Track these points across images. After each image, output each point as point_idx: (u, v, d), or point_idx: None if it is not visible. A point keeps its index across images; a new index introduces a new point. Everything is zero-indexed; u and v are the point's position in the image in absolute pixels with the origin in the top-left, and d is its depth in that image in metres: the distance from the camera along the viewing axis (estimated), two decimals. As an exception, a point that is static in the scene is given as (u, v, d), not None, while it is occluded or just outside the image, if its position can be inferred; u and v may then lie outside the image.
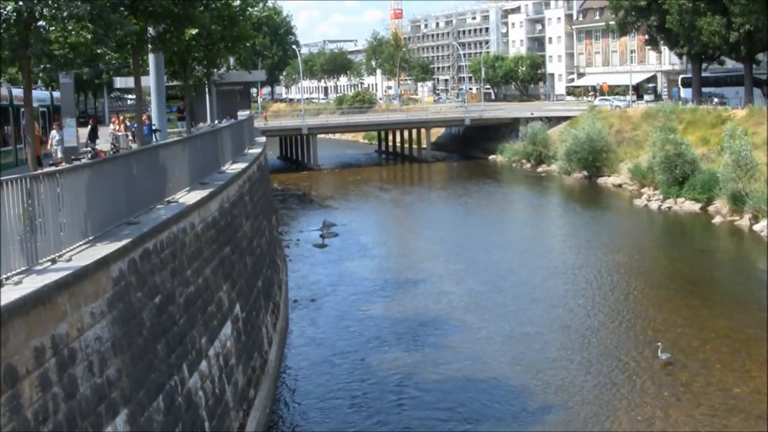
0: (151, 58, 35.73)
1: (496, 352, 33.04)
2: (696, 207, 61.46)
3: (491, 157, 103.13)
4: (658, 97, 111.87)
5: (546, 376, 30.02)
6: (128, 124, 44.93)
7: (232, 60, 65.35)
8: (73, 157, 31.30)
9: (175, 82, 49.73)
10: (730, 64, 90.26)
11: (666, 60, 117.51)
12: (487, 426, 25.94)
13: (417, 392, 28.99)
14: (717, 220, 57.25)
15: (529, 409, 27.22)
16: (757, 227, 53.00)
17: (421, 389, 29.22)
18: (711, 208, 60.02)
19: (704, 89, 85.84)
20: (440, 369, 31.09)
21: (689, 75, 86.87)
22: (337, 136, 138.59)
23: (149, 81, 37.00)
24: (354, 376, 30.61)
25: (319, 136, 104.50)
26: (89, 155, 32.80)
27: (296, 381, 30.34)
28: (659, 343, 31.06)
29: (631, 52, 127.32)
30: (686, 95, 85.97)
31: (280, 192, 79.26)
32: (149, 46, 31.65)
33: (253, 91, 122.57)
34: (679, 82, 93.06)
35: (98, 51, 23.19)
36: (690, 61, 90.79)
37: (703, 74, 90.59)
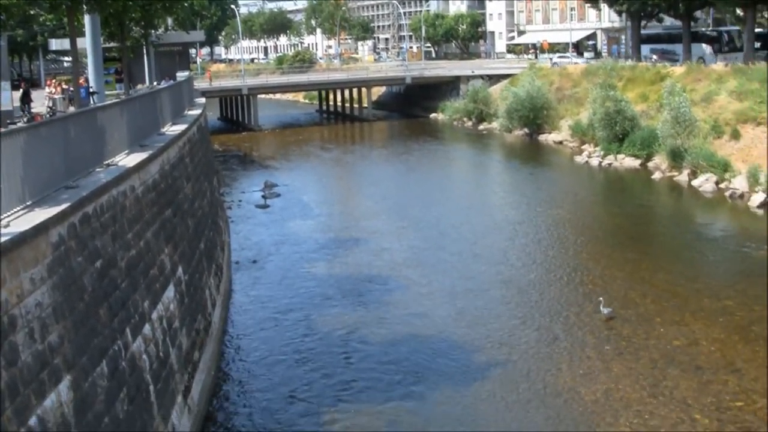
0: (87, 19, 35.09)
1: (439, 307, 33.29)
2: (636, 163, 62.08)
3: (432, 115, 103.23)
4: (597, 54, 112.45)
5: (489, 331, 30.32)
6: (65, 86, 44.20)
7: (169, 20, 64.47)
8: (8, 121, 30.76)
9: (112, 44, 49.02)
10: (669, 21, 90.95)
11: (605, 17, 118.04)
12: (432, 380, 26.14)
13: (362, 347, 29.15)
14: (656, 175, 57.92)
15: (472, 363, 27.47)
16: (695, 182, 53.70)
17: (366, 344, 29.39)
18: (650, 164, 60.66)
19: (658, 46, 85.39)
20: (384, 325, 31.29)
21: (653, 31, 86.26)
22: (278, 96, 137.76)
23: (85, 43, 36.37)
24: (299, 334, 30.65)
25: (259, 96, 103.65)
26: (25, 119, 32.26)
27: (241, 342, 30.31)
28: (601, 299, 31.46)
29: (571, 9, 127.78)
30: (646, 52, 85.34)
31: (221, 153, 78.69)
32: (84, 6, 31.08)
33: (192, 51, 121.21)
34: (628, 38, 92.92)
35: (31, 12, 22.75)
36: (629, 18, 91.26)
37: (657, 31, 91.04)
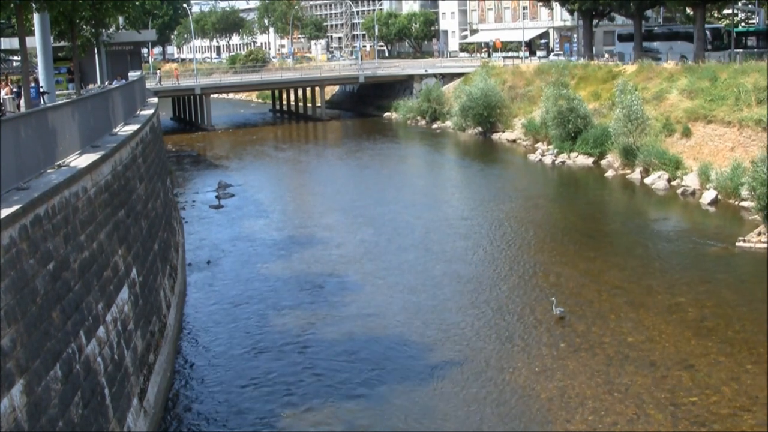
0: (36, 17, 34.61)
1: (394, 305, 33.38)
2: (589, 161, 62.63)
3: (386, 114, 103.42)
4: (550, 52, 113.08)
5: (443, 328, 30.45)
6: (13, 87, 43.59)
7: (121, 19, 63.88)
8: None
9: (62, 43, 48.42)
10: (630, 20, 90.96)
11: (558, 16, 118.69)
12: (386, 379, 26.13)
13: (317, 346, 29.12)
14: (609, 173, 58.47)
15: (426, 361, 27.54)
16: (648, 180, 54.26)
17: (322, 343, 29.35)
18: (603, 162, 61.27)
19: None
20: (339, 323, 31.31)
21: (631, 30, 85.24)
22: (231, 95, 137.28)
23: (35, 42, 35.91)
24: (254, 333, 30.57)
25: (212, 96, 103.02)
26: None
27: (196, 343, 30.13)
28: (553, 299, 31.69)
29: (524, 8, 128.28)
30: (623, 49, 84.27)
31: (174, 153, 78.19)
32: (33, 5, 30.62)
33: (144, 51, 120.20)
34: (616, 37, 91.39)
35: (-22, 11, 22.38)
36: (581, 17, 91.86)
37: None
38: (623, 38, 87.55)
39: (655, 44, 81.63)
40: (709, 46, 73.24)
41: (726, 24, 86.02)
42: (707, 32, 74.61)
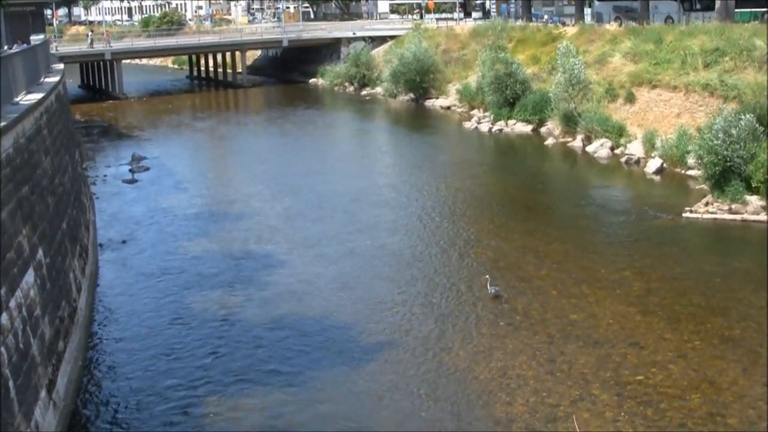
0: (-73, -24, 33.83)
1: (321, 283, 33.39)
2: (528, 128, 63.03)
3: (312, 80, 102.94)
4: (486, 14, 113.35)
5: (373, 308, 30.52)
6: None
7: (21, -22, 62.66)
8: None
9: (-43, 4, 47.38)
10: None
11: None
12: (313, 363, 26.09)
13: (241, 330, 28.97)
14: (549, 141, 58.91)
15: (356, 343, 27.56)
16: (590, 148, 54.78)
17: (245, 326, 29.24)
18: (543, 130, 61.71)
19: (621, 3, 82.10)
20: (264, 304, 31.24)
21: None
22: (144, 61, 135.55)
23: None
24: (173, 318, 30.29)
25: (124, 61, 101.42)
26: None
27: (110, 329, 29.76)
28: (487, 276, 31.82)
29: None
30: (600, 10, 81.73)
31: (83, 124, 76.93)
32: None
33: (48, 12, 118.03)
34: None
35: None
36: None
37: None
38: None
39: (636, 4, 79.08)
40: (698, 5, 72.12)
41: None
42: None
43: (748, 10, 63.92)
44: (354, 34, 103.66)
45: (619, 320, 28.52)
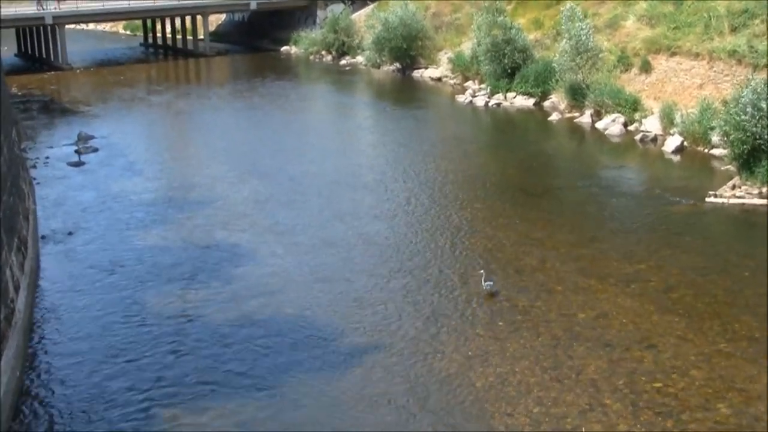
0: None
1: (294, 274, 33.53)
2: (529, 102, 63.00)
3: (284, 48, 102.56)
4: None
5: (356, 307, 30.50)
6: None
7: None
8: None
9: None
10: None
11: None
12: (288, 369, 26.06)
13: (205, 329, 28.99)
14: (554, 117, 58.86)
15: (336, 347, 27.54)
16: (600, 124, 54.78)
17: (207, 328, 29.18)
18: (546, 104, 61.67)
19: None
20: (229, 301, 31.23)
21: None
22: (91, 26, 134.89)
23: None
24: (127, 316, 30.24)
25: (67, 27, 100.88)
26: None
27: (54, 331, 29.65)
28: (482, 271, 31.73)
29: None
30: None
31: (20, 98, 76.47)
32: None
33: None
34: None
35: None
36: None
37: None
38: None
39: None
40: None
41: None
42: None
43: None
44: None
45: (634, 319, 28.56)
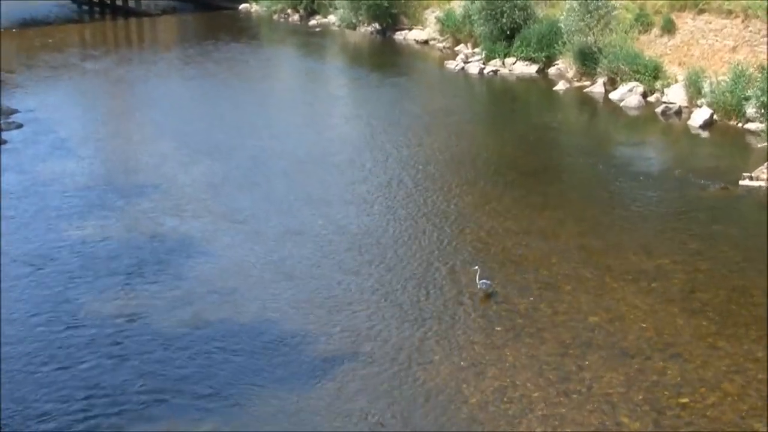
0: None
1: (258, 272, 33.24)
2: (531, 69, 63.09)
3: (243, 6, 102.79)
4: None
5: (333, 310, 30.18)
6: None
7: None
8: None
9: None
10: None
11: None
12: (253, 383, 25.77)
13: (151, 332, 28.68)
14: (560, 86, 58.86)
15: (310, 357, 27.25)
16: (614, 95, 54.68)
17: (157, 328, 28.96)
18: (552, 71, 61.82)
19: None
20: (184, 299, 31.00)
21: None
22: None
23: None
24: (57, 317, 29.96)
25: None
26: None
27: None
28: (476, 267, 31.50)
29: None
30: None
31: (-70, 66, 76.40)
32: None
33: None
34: None
35: None
36: None
37: None
38: None
39: None
40: None
41: None
42: None
43: None
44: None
45: (656, 324, 28.45)
